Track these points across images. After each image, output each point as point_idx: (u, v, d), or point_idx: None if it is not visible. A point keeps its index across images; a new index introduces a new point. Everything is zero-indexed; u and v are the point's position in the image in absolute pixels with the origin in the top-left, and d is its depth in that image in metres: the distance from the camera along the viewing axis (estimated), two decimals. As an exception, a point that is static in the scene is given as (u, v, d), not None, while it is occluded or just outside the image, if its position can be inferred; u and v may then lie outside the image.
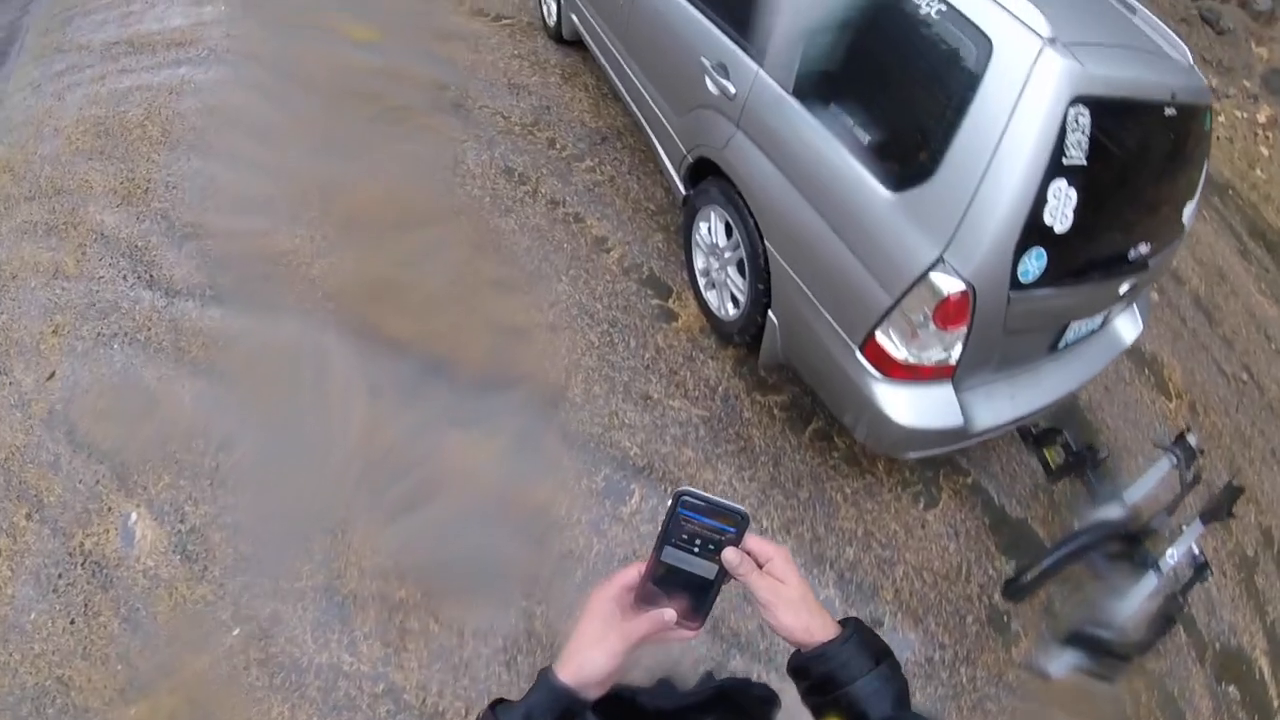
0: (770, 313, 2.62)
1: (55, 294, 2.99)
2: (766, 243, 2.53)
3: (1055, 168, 1.85)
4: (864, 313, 2.14)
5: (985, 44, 1.87)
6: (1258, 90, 6.44)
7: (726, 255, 2.84)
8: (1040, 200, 1.86)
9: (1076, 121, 1.83)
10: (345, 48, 4.24)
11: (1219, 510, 2.81)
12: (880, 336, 2.11)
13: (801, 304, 2.40)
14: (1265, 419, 4.08)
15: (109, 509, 2.40)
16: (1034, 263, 1.97)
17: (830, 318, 2.28)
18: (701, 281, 3.11)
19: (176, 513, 2.39)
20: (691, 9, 2.89)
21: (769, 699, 0.87)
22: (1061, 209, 1.91)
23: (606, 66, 3.82)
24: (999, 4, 1.89)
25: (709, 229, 2.94)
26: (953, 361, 2.14)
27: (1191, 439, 2.98)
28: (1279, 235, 5.63)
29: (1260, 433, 3.99)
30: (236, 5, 4.51)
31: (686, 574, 0.75)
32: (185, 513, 2.39)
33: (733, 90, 2.60)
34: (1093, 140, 1.87)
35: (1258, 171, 6.02)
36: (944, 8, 1.96)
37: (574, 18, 4.15)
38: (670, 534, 0.75)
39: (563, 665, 0.71)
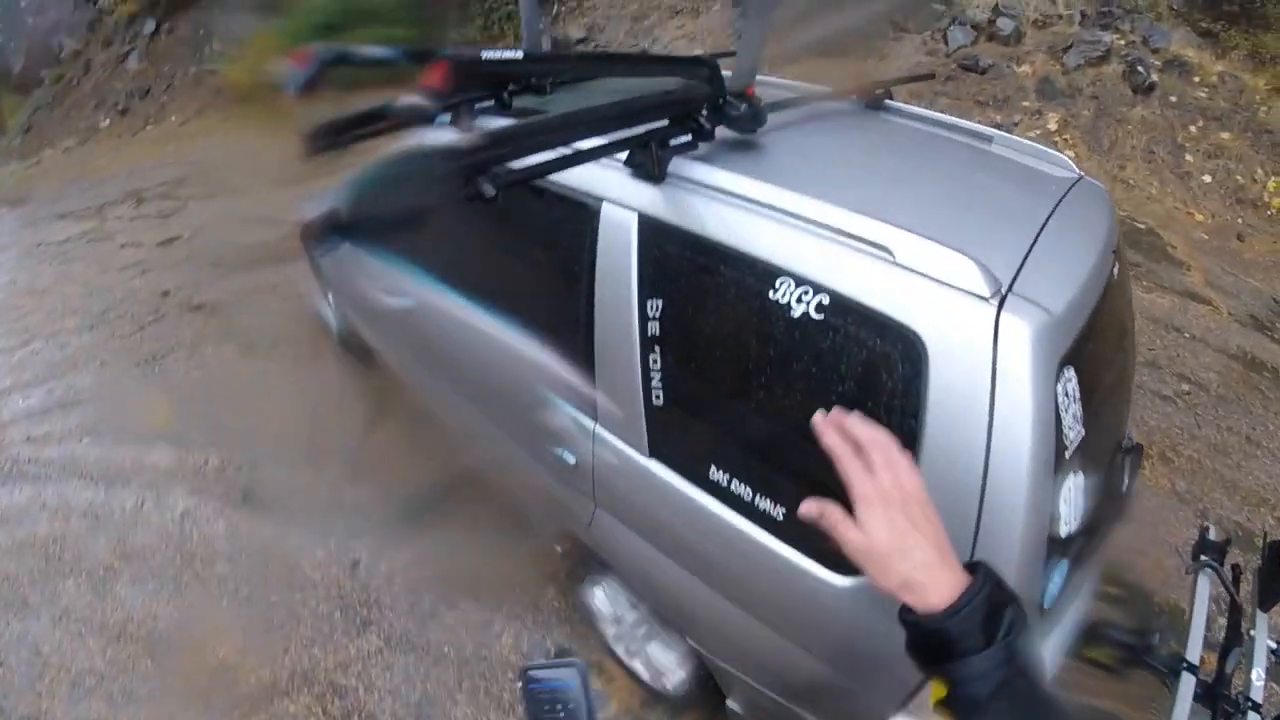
0: (728, 702, 1.58)
1: None
2: (691, 642, 1.57)
3: (1061, 466, 1.02)
4: (862, 718, 1.23)
5: (910, 340, 1.00)
6: (1038, 105, 6.13)
7: (641, 630, 1.84)
8: (1053, 520, 1.04)
9: (1067, 391, 1.02)
10: (144, 442, 3.15)
11: (1274, 586, 2.01)
12: (897, 737, 1.21)
13: (767, 703, 1.43)
14: (1224, 414, 3.37)
15: None
16: (1057, 579, 1.16)
17: None
18: (619, 649, 1.97)
19: None
20: (482, 346, 1.81)
21: None
22: (1074, 503, 1.09)
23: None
24: (902, 265, 1.01)
25: (607, 597, 1.94)
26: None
27: (1212, 533, 2.20)
28: (1126, 222, 5.13)
29: (1228, 430, 3.27)
30: (37, 395, 3.47)
31: None
32: None
33: (571, 460, 1.62)
34: (1085, 398, 1.08)
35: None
36: (825, 299, 1.08)
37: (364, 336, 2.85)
38: (532, 713, 0.68)
39: None
